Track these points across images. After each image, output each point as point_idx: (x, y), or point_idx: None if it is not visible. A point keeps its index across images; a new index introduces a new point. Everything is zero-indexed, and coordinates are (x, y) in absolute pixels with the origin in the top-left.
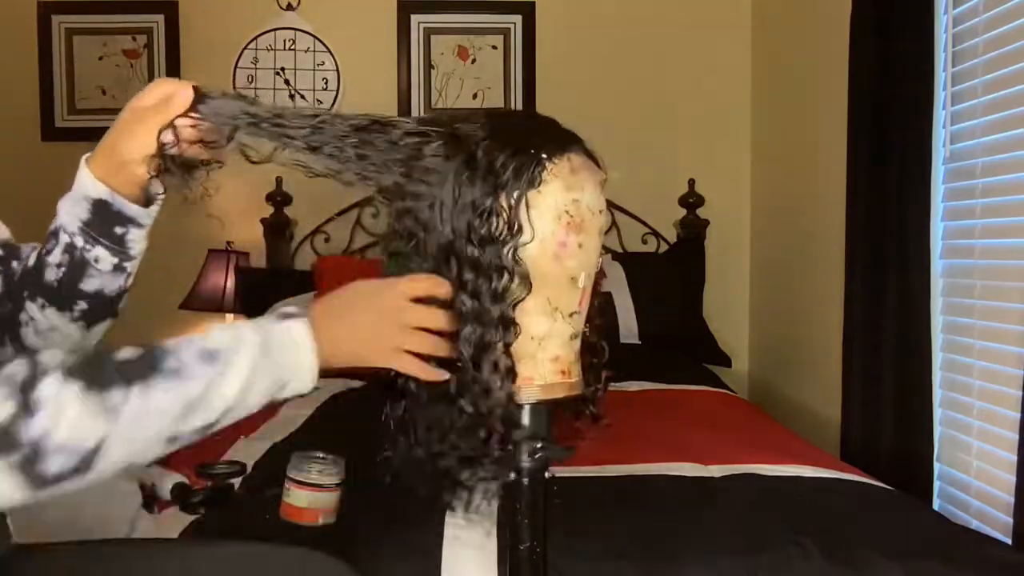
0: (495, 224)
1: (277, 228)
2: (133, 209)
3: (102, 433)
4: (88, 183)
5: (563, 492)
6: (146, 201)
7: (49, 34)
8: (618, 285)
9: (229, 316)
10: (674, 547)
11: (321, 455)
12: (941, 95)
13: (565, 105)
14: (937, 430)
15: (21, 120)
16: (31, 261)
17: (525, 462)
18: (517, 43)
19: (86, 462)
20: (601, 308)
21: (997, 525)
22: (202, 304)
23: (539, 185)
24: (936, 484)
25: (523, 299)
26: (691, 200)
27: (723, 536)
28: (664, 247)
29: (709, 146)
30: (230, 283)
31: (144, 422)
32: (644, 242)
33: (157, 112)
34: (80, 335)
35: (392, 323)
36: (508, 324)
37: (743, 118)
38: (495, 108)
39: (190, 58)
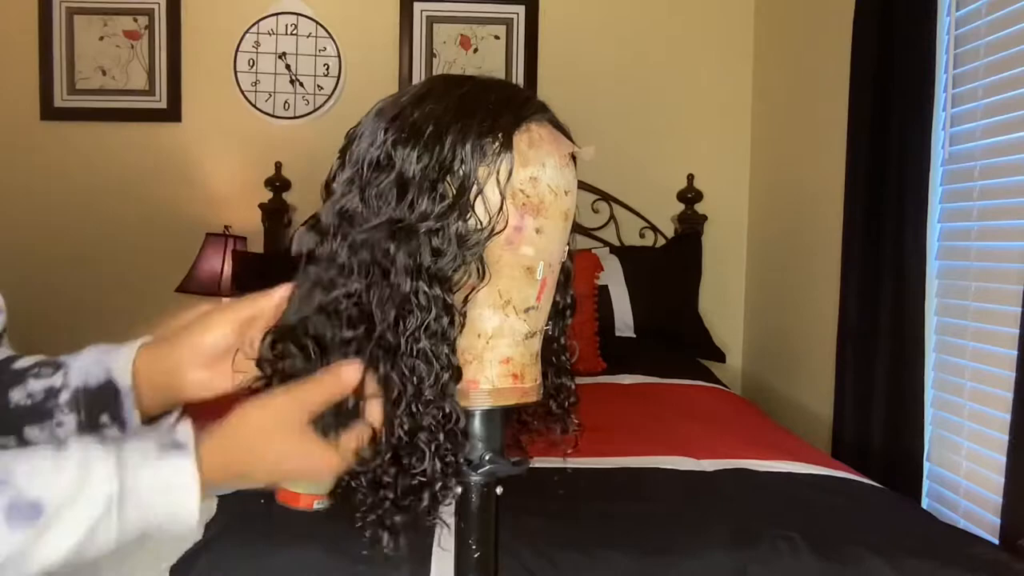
0: (441, 201)
1: (275, 213)
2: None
3: None
4: (122, 372)
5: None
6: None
7: (50, 13)
8: (615, 278)
9: (225, 300)
10: (665, 540)
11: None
12: (942, 97)
13: (566, 97)
14: (928, 430)
15: (20, 99)
16: None
17: (473, 476)
18: (520, 33)
19: None
20: (575, 305)
21: (984, 525)
22: (199, 287)
23: (491, 159)
24: (926, 483)
25: (477, 288)
26: (690, 195)
27: (713, 530)
28: (661, 241)
29: (709, 141)
30: (227, 267)
31: None
32: (642, 236)
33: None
34: None
35: (312, 442)
36: (453, 315)
37: (744, 114)
38: (445, 75)
39: (191, 40)
